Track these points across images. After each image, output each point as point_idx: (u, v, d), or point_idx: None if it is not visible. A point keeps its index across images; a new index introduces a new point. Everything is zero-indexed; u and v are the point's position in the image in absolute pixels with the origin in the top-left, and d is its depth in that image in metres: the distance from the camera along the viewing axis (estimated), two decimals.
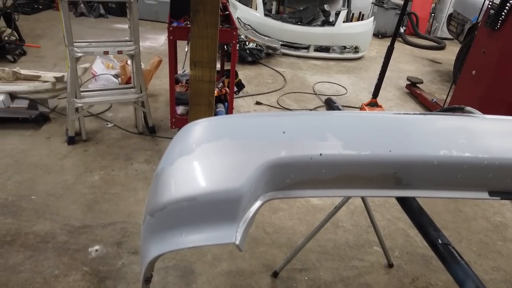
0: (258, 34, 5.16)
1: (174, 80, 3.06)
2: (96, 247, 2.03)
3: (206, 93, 2.43)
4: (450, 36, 6.33)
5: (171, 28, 2.61)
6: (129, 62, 3.17)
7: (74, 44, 2.57)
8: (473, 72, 3.19)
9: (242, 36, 5.03)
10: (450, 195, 0.93)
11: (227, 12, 3.12)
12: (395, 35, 3.49)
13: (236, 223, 0.85)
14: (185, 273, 1.96)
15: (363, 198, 2.01)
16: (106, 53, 2.70)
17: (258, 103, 3.95)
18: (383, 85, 3.87)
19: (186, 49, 2.65)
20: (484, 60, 3.13)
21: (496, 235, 2.52)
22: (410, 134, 0.91)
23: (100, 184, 2.51)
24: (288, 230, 2.37)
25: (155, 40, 5.43)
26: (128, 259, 1.97)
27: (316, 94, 4.39)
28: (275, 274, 2.02)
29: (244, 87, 4.09)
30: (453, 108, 1.56)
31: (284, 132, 0.89)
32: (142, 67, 3.21)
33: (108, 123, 3.23)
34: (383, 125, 0.94)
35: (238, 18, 5.15)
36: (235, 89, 3.96)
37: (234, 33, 2.71)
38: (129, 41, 2.76)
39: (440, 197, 0.93)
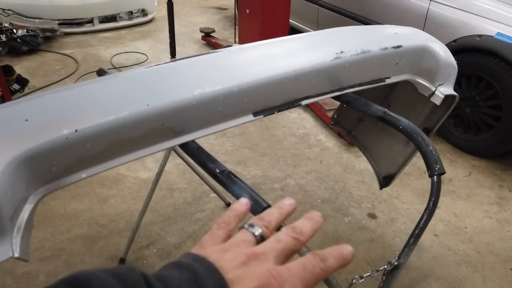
0: (25, 18, 4.44)
1: None
2: None
3: None
4: None
5: None
6: None
7: None
8: (247, 11, 3.49)
9: (6, 24, 4.26)
10: (222, 127, 1.01)
11: None
12: None
13: (8, 236, 0.74)
14: None
15: (180, 156, 2.05)
16: None
17: None
18: (181, 42, 3.90)
19: None
20: None
21: (303, 145, 2.97)
22: (164, 83, 0.93)
23: None
24: (124, 213, 2.28)
25: None
26: None
27: (116, 68, 4.13)
28: (122, 261, 1.95)
29: (28, 82, 3.54)
30: (224, 47, 1.67)
31: (27, 120, 0.79)
32: None
33: None
34: (138, 81, 0.93)
35: None
36: (17, 86, 3.40)
37: None
38: None
39: (213, 132, 1.00)
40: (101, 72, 1.36)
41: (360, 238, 2.15)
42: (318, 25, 4.03)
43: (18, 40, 4.12)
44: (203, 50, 4.73)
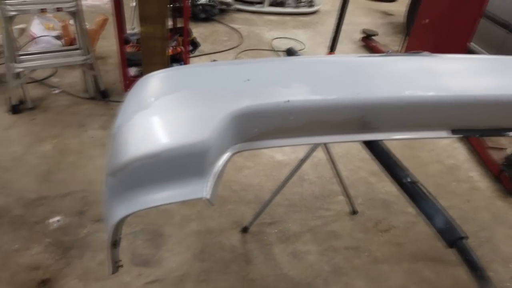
0: None
1: (124, 39, 2.87)
2: (57, 218, 1.94)
3: (160, 51, 2.31)
4: None
5: None
6: (71, 22, 2.92)
7: (6, 1, 2.31)
8: (426, 20, 3.24)
9: None
10: (415, 136, 0.95)
11: None
12: None
13: (205, 178, 0.82)
14: (154, 236, 1.93)
15: (327, 149, 2.04)
16: (43, 11, 2.45)
17: (215, 61, 3.82)
18: (339, 39, 3.85)
19: (133, 4, 2.44)
20: (437, 7, 3.17)
21: (450, 176, 2.68)
22: (375, 76, 0.90)
23: (53, 154, 2.36)
24: (255, 186, 2.38)
25: None
26: (92, 227, 1.91)
27: (274, 50, 4.31)
28: (245, 230, 2.04)
29: (199, 45, 3.93)
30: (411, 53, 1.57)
31: (248, 80, 0.84)
32: (87, 27, 2.97)
33: (55, 89, 3.01)
34: (347, 68, 0.92)
35: None
36: (190, 47, 3.79)
37: None
38: None
39: (405, 138, 0.94)
40: (291, 51, 1.39)
41: None
42: (499, 52, 3.54)
43: (200, 7, 4.59)
44: (360, 51, 4.60)
